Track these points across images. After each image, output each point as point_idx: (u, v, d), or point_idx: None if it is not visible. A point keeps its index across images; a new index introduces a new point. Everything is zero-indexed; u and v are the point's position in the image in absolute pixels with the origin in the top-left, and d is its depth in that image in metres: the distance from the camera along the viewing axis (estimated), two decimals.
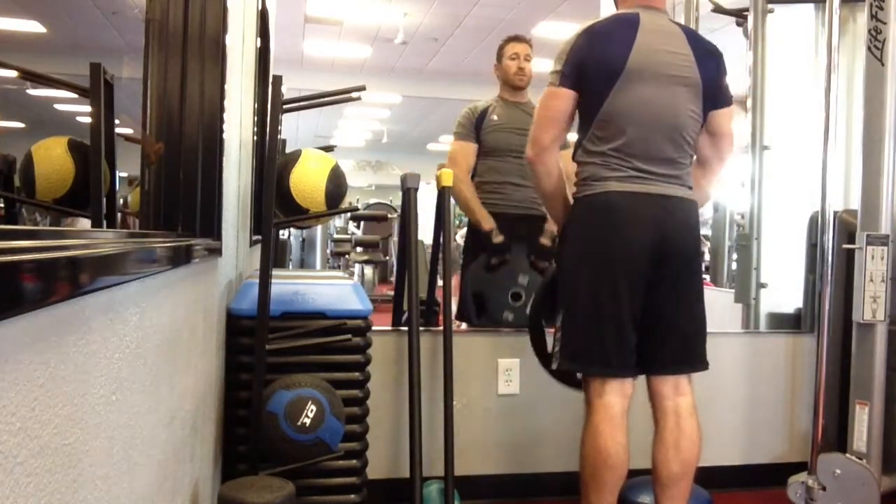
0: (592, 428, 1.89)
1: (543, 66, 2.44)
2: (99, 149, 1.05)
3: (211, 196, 1.41)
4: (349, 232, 8.79)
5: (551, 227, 2.76)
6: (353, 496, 1.88)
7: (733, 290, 3.23)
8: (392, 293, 2.94)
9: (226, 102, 1.43)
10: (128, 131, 1.32)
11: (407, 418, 2.19)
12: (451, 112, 3.03)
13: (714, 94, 1.96)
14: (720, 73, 1.99)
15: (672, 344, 1.94)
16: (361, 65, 7.84)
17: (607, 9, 2.11)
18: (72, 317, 0.66)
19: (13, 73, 1.00)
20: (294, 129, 9.99)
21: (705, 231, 5.18)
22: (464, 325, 2.85)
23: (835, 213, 2.54)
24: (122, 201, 1.35)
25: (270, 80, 1.92)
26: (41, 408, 0.59)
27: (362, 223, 8.61)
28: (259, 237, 1.93)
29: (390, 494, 2.39)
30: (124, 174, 1.27)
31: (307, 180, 1.81)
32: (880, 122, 2.31)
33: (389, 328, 2.56)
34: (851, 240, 2.38)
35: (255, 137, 2.30)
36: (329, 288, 1.92)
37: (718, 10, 3.18)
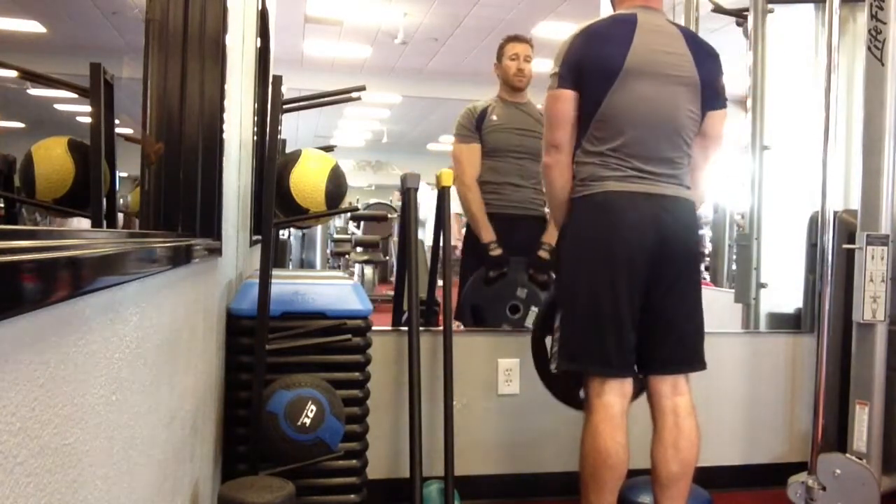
0: (592, 428, 1.89)
1: (544, 66, 2.44)
2: (99, 149, 1.05)
3: (211, 196, 1.41)
4: (349, 232, 8.79)
5: (549, 238, 2.77)
6: (353, 496, 1.88)
7: (733, 290, 3.23)
8: (392, 293, 2.94)
9: (226, 102, 1.43)
10: (128, 131, 1.32)
11: (407, 418, 2.19)
12: (451, 112, 3.03)
13: (711, 95, 1.96)
14: (718, 74, 1.99)
15: (671, 344, 1.94)
16: (361, 65, 7.84)
17: (607, 9, 2.10)
18: (72, 317, 0.66)
19: (13, 73, 1.00)
20: (294, 129, 9.99)
21: (705, 231, 5.19)
22: (463, 326, 2.85)
23: (835, 213, 2.54)
24: (121, 201, 1.35)
25: (270, 80, 1.92)
26: (41, 408, 0.59)
27: (362, 223, 8.60)
28: (259, 237, 1.93)
29: (390, 494, 2.39)
30: (125, 174, 1.27)
31: (307, 180, 1.81)
32: (880, 122, 2.31)
33: (389, 328, 2.56)
34: (851, 240, 2.38)
35: (255, 137, 2.30)
36: (329, 288, 1.92)
37: (718, 10, 3.18)
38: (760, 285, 3.06)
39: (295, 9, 5.99)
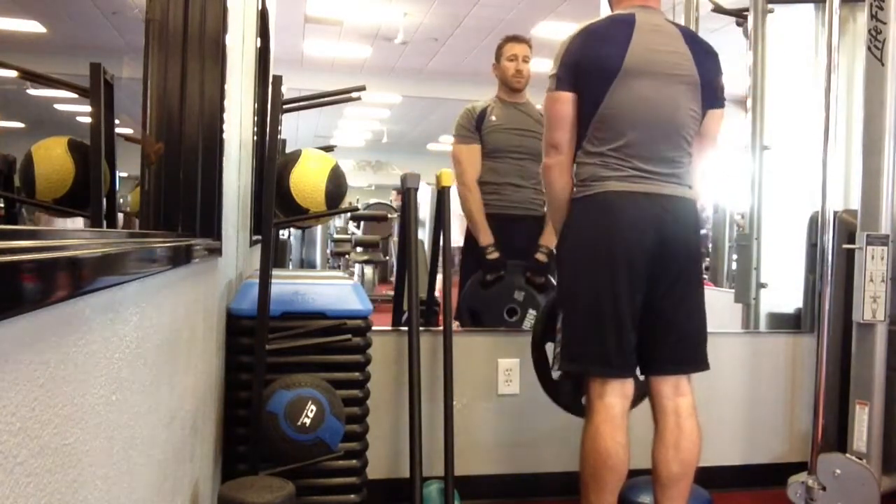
0: (593, 428, 1.89)
1: (543, 66, 2.43)
2: (99, 149, 1.05)
3: (211, 196, 1.41)
4: (349, 232, 8.79)
5: (546, 241, 2.76)
6: (353, 496, 1.88)
7: (733, 290, 3.23)
8: (392, 293, 2.94)
9: (226, 102, 1.43)
10: (128, 131, 1.32)
11: (407, 418, 2.19)
12: (451, 112, 3.03)
13: (710, 94, 1.96)
14: (717, 73, 1.99)
15: (672, 344, 1.94)
16: (361, 65, 7.84)
17: (607, 9, 2.10)
18: (72, 317, 0.66)
19: (13, 73, 1.00)
20: (294, 129, 9.99)
21: (705, 231, 5.19)
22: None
23: (835, 213, 2.54)
24: (121, 201, 1.35)
25: (270, 80, 1.92)
26: (41, 408, 0.59)
27: (362, 223, 8.60)
28: (259, 237, 1.93)
29: (390, 494, 2.39)
30: (125, 174, 1.27)
31: (307, 180, 1.81)
32: (880, 122, 2.31)
33: (389, 328, 2.56)
34: (851, 240, 2.38)
35: (255, 137, 2.30)
36: (329, 288, 1.92)
37: (718, 10, 3.18)
38: (760, 285, 3.06)
39: (295, 9, 6.00)
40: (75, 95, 1.13)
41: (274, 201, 1.70)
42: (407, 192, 2.37)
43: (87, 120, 1.05)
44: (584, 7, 4.66)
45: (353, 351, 1.88)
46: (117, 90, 1.08)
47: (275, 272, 1.74)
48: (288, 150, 2.10)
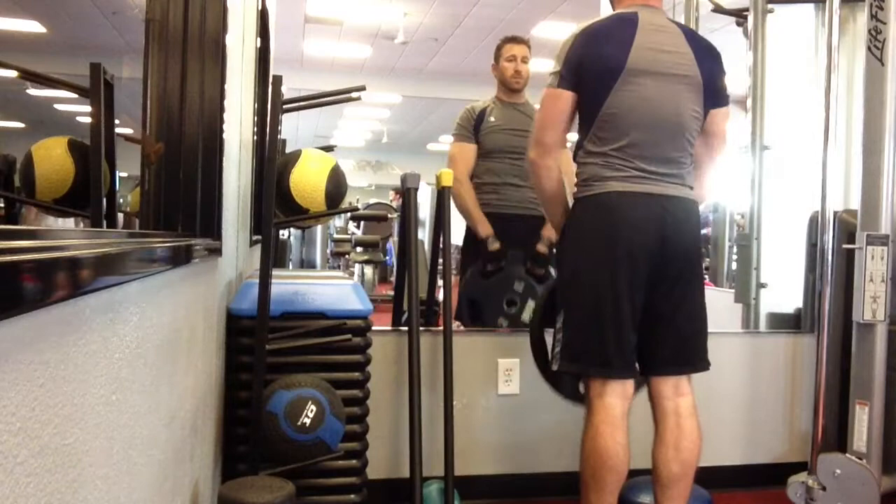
0: (593, 429, 1.89)
1: (543, 66, 2.43)
2: (99, 149, 1.05)
3: (211, 196, 1.41)
4: (349, 232, 8.79)
5: (548, 233, 2.76)
6: (353, 496, 1.88)
7: (733, 290, 3.23)
8: (392, 293, 2.94)
9: (226, 102, 1.43)
10: (128, 131, 1.32)
11: (407, 418, 2.19)
12: (451, 112, 3.03)
13: (713, 93, 1.96)
14: (719, 72, 1.99)
15: (672, 344, 1.94)
16: (361, 65, 7.84)
17: (607, 9, 2.10)
18: (72, 317, 0.66)
19: (13, 73, 1.00)
20: (294, 129, 9.99)
21: (705, 231, 5.19)
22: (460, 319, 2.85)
23: (835, 213, 2.54)
24: (121, 201, 1.35)
25: (270, 80, 1.92)
26: (41, 408, 0.59)
27: (362, 223, 8.60)
28: (259, 237, 1.93)
29: (390, 494, 2.39)
30: (124, 174, 1.27)
31: (307, 180, 1.81)
32: (880, 122, 2.31)
33: (389, 328, 2.56)
34: (851, 240, 2.38)
35: (255, 137, 2.30)
36: (329, 288, 1.92)
37: (718, 10, 3.18)
38: (760, 285, 3.06)
39: (295, 9, 6.00)
40: (75, 95, 1.13)
41: (274, 201, 1.70)
42: (407, 192, 2.37)
43: (87, 120, 1.05)
44: (584, 7, 4.66)
45: (353, 351, 1.88)
46: (117, 90, 1.08)
47: (275, 272, 1.74)
48: (288, 150, 2.11)
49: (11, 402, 0.53)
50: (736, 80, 2.06)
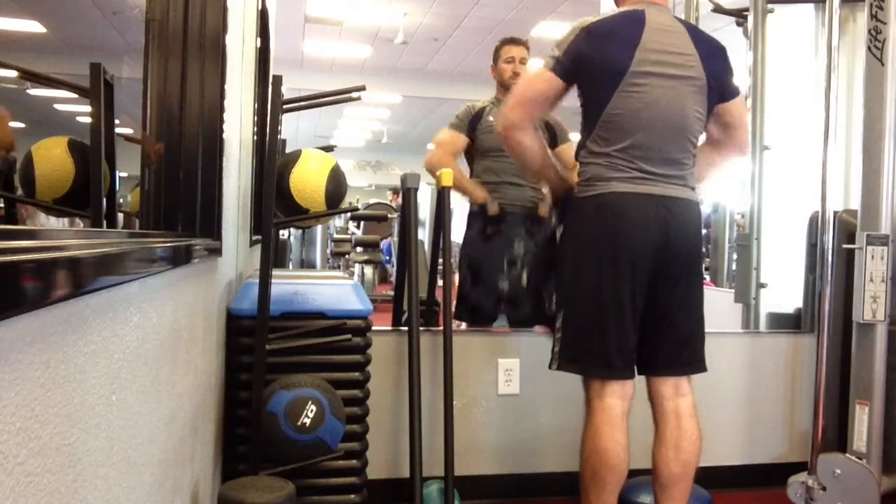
0: (593, 429, 1.89)
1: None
2: (99, 149, 1.05)
3: (211, 196, 1.41)
4: (349, 232, 8.79)
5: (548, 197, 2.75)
6: (353, 496, 1.88)
7: (733, 290, 3.23)
8: (392, 293, 2.94)
9: (226, 102, 1.43)
10: (128, 131, 1.32)
11: (407, 418, 2.19)
12: (451, 112, 3.03)
13: (721, 90, 1.96)
14: (725, 69, 1.98)
15: (673, 345, 1.94)
16: (361, 65, 7.84)
17: (607, 9, 2.09)
18: (72, 317, 0.66)
19: (13, 73, 1.00)
20: (294, 129, 10.00)
21: (705, 231, 5.18)
22: (463, 325, 2.85)
23: (835, 213, 2.54)
24: (121, 201, 1.35)
25: (270, 80, 1.92)
26: (41, 408, 0.59)
27: (362, 223, 8.60)
28: (259, 237, 1.93)
29: (390, 494, 2.39)
30: (124, 174, 1.27)
31: (307, 180, 1.81)
32: (880, 122, 2.31)
33: (389, 328, 2.56)
34: (851, 240, 2.38)
35: (255, 137, 2.30)
36: (329, 288, 1.92)
37: (718, 10, 3.18)
38: (760, 285, 3.06)
39: (295, 9, 6.00)
40: (75, 95, 1.13)
41: (274, 201, 1.70)
42: (407, 192, 2.36)
43: (87, 120, 1.05)
44: (584, 7, 4.66)
45: (353, 351, 1.88)
46: (117, 90, 1.08)
47: (275, 272, 1.74)
48: (288, 150, 2.10)
49: (11, 402, 0.53)
50: (736, 81, 2.07)
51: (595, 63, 1.88)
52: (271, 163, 1.70)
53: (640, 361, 1.94)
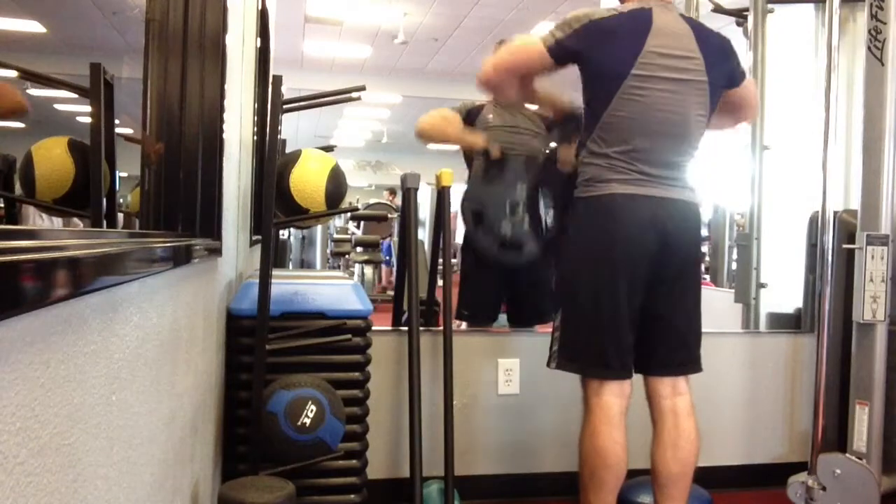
0: (591, 428, 1.89)
1: None
2: (99, 149, 1.05)
3: (211, 196, 1.41)
4: (349, 232, 8.79)
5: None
6: (353, 496, 1.88)
7: (733, 290, 3.23)
8: (392, 293, 2.93)
9: (226, 102, 1.43)
10: (128, 131, 1.32)
11: (407, 418, 2.19)
12: None
13: (727, 82, 1.98)
14: (730, 66, 1.98)
15: (670, 345, 1.94)
16: (361, 65, 7.84)
17: (607, 5, 2.09)
18: (72, 317, 0.66)
19: (13, 73, 1.00)
20: (294, 129, 10.00)
21: (705, 231, 5.18)
22: (464, 325, 2.85)
23: (835, 213, 2.54)
24: (121, 201, 1.35)
25: (270, 80, 1.92)
26: (41, 408, 0.59)
27: (362, 223, 8.60)
28: (259, 237, 1.93)
29: (390, 494, 2.39)
30: (124, 174, 1.27)
31: (307, 180, 1.81)
32: (880, 122, 2.31)
33: (389, 328, 2.56)
34: (851, 240, 2.38)
35: (255, 137, 2.30)
36: (329, 288, 1.92)
37: (718, 10, 3.18)
38: (760, 285, 3.06)
39: (295, 9, 6.00)
40: (75, 95, 1.13)
41: (274, 201, 1.70)
42: (407, 192, 2.36)
43: (87, 120, 1.05)
44: (584, 7, 4.65)
45: (353, 351, 1.88)
46: (117, 90, 1.08)
47: (275, 272, 1.74)
48: (288, 150, 2.10)
49: (11, 402, 0.53)
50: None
51: (595, 64, 1.87)
52: (271, 163, 1.70)
53: (638, 361, 1.94)
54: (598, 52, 1.87)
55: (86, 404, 0.71)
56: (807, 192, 2.78)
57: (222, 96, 1.39)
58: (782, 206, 3.06)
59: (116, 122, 1.11)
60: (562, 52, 1.88)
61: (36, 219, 1.13)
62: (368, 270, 8.29)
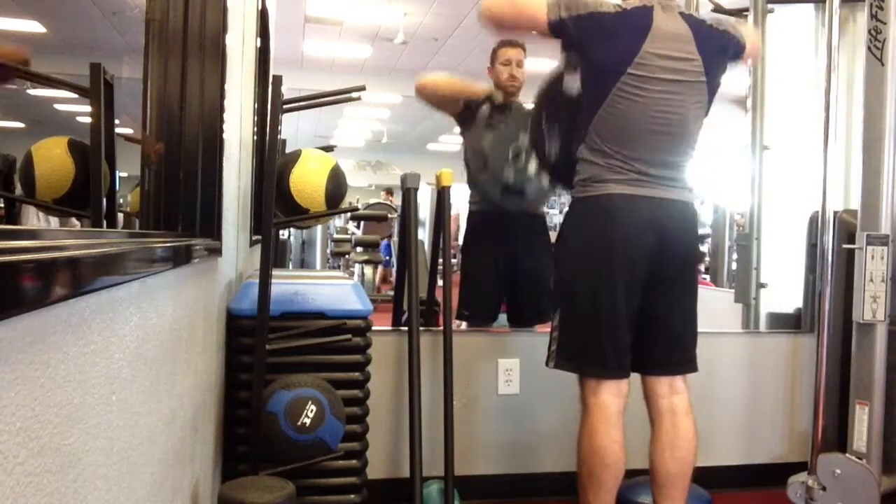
0: (589, 427, 1.90)
1: (541, 66, 2.43)
2: (99, 149, 1.05)
3: (211, 196, 1.41)
4: (349, 232, 8.79)
5: None
6: (353, 496, 1.88)
7: (733, 290, 3.23)
8: (392, 293, 2.93)
9: (226, 102, 1.43)
10: (128, 131, 1.32)
11: (407, 418, 2.19)
12: None
13: (729, 65, 1.99)
14: (728, 56, 1.98)
15: (668, 345, 1.95)
16: (361, 65, 7.84)
17: None
18: (72, 317, 0.66)
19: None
20: (294, 129, 9.99)
21: (705, 231, 5.18)
22: (464, 325, 2.85)
23: (835, 213, 2.54)
24: (121, 201, 1.35)
25: (270, 80, 1.92)
26: (41, 408, 0.59)
27: (362, 223, 8.60)
28: (259, 237, 1.93)
29: (390, 494, 2.39)
30: (124, 174, 1.27)
31: (307, 180, 1.81)
32: (880, 122, 2.31)
33: (389, 328, 2.56)
34: (851, 240, 2.38)
35: (255, 137, 2.30)
36: (329, 288, 1.92)
37: (718, 10, 3.17)
38: (760, 285, 3.06)
39: (295, 9, 5.99)
40: (75, 95, 1.13)
41: (274, 201, 1.70)
42: (407, 192, 2.36)
43: (87, 120, 1.05)
44: None
45: (353, 351, 1.88)
46: (117, 90, 1.08)
47: (275, 272, 1.74)
48: (288, 150, 2.10)
49: (11, 402, 0.53)
50: (736, 80, 2.07)
51: (592, 59, 1.88)
52: (271, 163, 1.70)
53: (635, 361, 1.94)
54: (596, 47, 1.87)
55: (86, 404, 0.71)
56: (807, 192, 2.78)
57: (222, 96, 1.40)
58: (782, 206, 3.06)
59: (116, 122, 1.11)
60: (561, 31, 1.88)
61: (32, 219, 1.13)
62: (368, 270, 8.29)
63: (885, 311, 2.31)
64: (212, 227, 1.42)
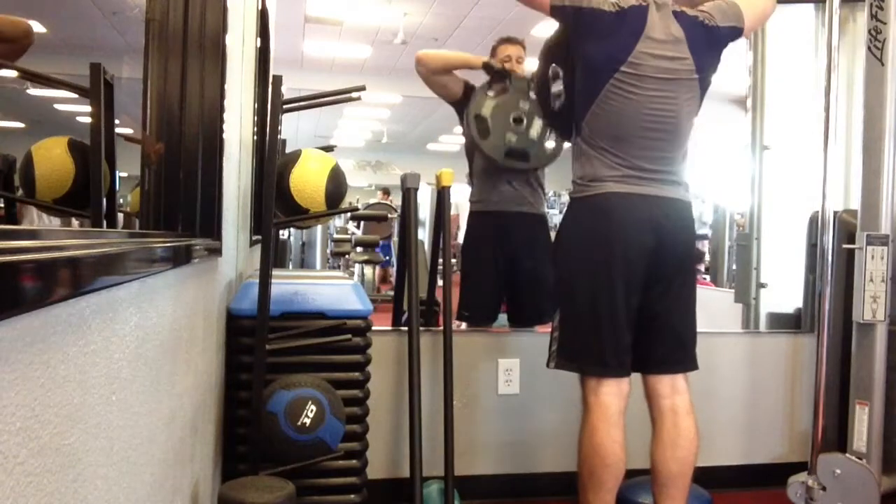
0: (589, 427, 1.90)
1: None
2: (99, 149, 1.05)
3: (211, 196, 1.41)
4: (349, 232, 8.79)
5: None
6: (353, 496, 1.88)
7: (733, 290, 3.23)
8: (392, 293, 2.93)
9: (226, 102, 1.43)
10: (128, 131, 1.32)
11: (407, 418, 2.19)
12: (451, 112, 3.02)
13: (725, 46, 1.99)
14: (725, 46, 1.99)
15: (667, 343, 1.95)
16: (361, 65, 7.84)
17: None
18: (72, 317, 0.66)
19: (13, 73, 1.00)
20: (294, 129, 9.99)
21: (704, 231, 5.18)
22: (464, 325, 2.85)
23: (835, 213, 2.54)
24: (121, 201, 1.35)
25: (270, 80, 1.92)
26: (41, 408, 0.59)
27: (362, 223, 8.60)
28: (259, 237, 1.93)
29: (390, 494, 2.39)
30: (124, 174, 1.27)
31: (307, 180, 1.81)
32: (880, 122, 2.31)
33: (389, 328, 2.56)
34: (851, 240, 2.38)
35: (255, 137, 2.30)
36: (329, 288, 1.92)
37: None
38: (760, 285, 3.06)
39: (295, 9, 5.99)
40: (75, 95, 1.13)
41: (274, 201, 1.70)
42: (407, 192, 2.36)
43: (87, 120, 1.05)
44: None
45: (353, 351, 1.88)
46: (117, 90, 1.08)
47: (275, 272, 1.74)
48: (288, 150, 2.10)
49: (11, 402, 0.53)
50: (736, 80, 2.07)
51: (584, 55, 1.90)
52: (271, 163, 1.70)
53: (636, 360, 1.94)
54: (591, 43, 1.88)
55: (86, 404, 0.71)
56: (807, 192, 2.78)
57: (222, 96, 1.40)
58: (782, 206, 3.06)
59: (116, 122, 1.11)
60: (561, 16, 1.91)
61: (34, 218, 1.13)
62: (368, 270, 8.29)
63: (885, 311, 2.31)
64: (212, 227, 1.42)
